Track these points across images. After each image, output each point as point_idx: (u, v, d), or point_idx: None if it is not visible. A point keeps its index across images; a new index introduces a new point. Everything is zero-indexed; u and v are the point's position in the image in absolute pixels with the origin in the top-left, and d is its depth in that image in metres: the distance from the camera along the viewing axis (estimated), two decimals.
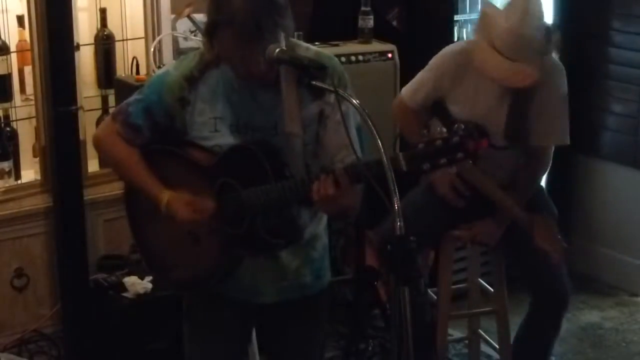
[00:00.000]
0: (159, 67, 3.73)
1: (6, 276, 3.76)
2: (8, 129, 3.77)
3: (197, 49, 3.85)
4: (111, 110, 3.88)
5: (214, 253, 2.41)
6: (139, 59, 3.90)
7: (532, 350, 3.48)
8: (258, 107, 2.34)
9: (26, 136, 3.87)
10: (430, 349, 3.40)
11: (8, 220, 3.72)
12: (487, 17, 3.17)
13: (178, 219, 2.35)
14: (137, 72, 3.86)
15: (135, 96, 2.43)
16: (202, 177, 2.37)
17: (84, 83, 3.84)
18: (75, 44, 3.65)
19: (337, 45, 4.05)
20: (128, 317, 3.59)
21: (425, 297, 3.55)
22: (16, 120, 3.81)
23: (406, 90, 3.35)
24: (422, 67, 3.36)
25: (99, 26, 3.91)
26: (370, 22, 4.18)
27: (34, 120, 3.80)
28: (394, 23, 4.39)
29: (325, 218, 2.52)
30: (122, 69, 3.97)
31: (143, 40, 3.92)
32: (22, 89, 3.79)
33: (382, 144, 2.06)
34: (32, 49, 3.66)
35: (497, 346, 3.62)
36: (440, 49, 3.37)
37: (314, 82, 2.20)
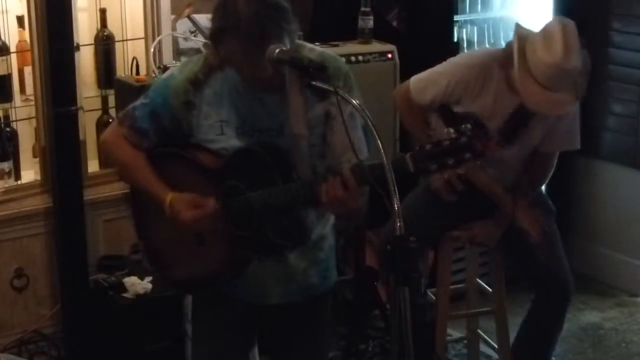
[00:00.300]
0: (159, 68, 3.73)
1: (6, 276, 3.76)
2: (8, 129, 3.76)
3: (197, 49, 3.91)
4: (111, 111, 3.93)
5: (221, 255, 2.42)
6: (138, 59, 3.89)
7: (534, 348, 3.49)
8: (264, 110, 2.35)
9: (26, 136, 3.86)
10: (430, 349, 3.40)
11: (8, 221, 3.71)
12: (523, 43, 3.12)
13: (180, 219, 2.35)
14: (137, 73, 3.85)
15: (141, 100, 2.45)
16: (208, 179, 2.38)
17: (84, 83, 3.83)
18: (75, 45, 3.65)
19: (337, 45, 4.05)
20: (128, 318, 3.60)
21: (425, 297, 3.56)
22: (16, 120, 3.80)
23: (415, 84, 3.31)
24: (423, 67, 3.35)
25: (98, 26, 3.90)
26: (370, 22, 4.18)
27: (33, 121, 3.79)
28: (394, 23, 4.39)
29: (332, 219, 2.52)
30: (122, 70, 3.96)
31: (143, 40, 3.92)
32: (22, 90, 3.78)
33: (382, 144, 2.07)
34: (32, 50, 3.65)
35: (495, 346, 3.62)
36: (440, 49, 3.38)
37: (313, 83, 2.20)
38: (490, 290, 3.59)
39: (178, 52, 3.98)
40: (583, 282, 4.56)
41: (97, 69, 3.97)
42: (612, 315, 4.50)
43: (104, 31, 3.91)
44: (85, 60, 3.89)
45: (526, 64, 3.08)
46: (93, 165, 3.89)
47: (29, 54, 3.69)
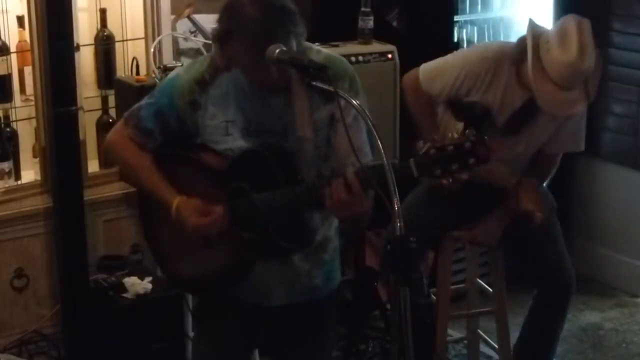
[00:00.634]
0: (159, 68, 3.73)
1: (6, 276, 3.76)
2: (8, 129, 3.76)
3: (197, 49, 3.91)
4: (111, 111, 3.93)
5: (226, 256, 2.42)
6: (139, 59, 3.89)
7: (537, 345, 3.50)
8: (269, 111, 2.35)
9: (26, 137, 3.86)
10: (430, 350, 3.40)
11: (8, 221, 3.71)
12: (537, 42, 3.11)
13: (187, 226, 2.35)
14: (137, 73, 3.85)
15: (146, 100, 2.45)
16: (214, 181, 2.39)
17: (84, 83, 3.83)
18: (75, 45, 3.65)
19: (337, 45, 4.05)
20: (128, 318, 3.60)
21: (427, 298, 3.56)
22: (16, 120, 3.80)
23: (425, 73, 3.30)
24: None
25: (98, 27, 3.90)
26: (370, 22, 4.18)
27: (33, 121, 3.79)
28: (394, 24, 4.39)
29: (336, 221, 2.52)
30: (122, 70, 3.95)
31: (143, 40, 3.92)
32: (22, 90, 3.78)
33: (382, 145, 2.07)
34: (32, 50, 3.65)
35: (496, 346, 3.62)
36: (440, 49, 3.37)
37: (314, 83, 2.21)
38: (491, 290, 3.59)
39: (178, 52, 3.99)
40: (583, 283, 4.55)
41: (97, 69, 3.96)
42: (612, 315, 4.50)
43: (104, 31, 3.91)
44: (85, 61, 3.88)
45: (540, 63, 3.07)
46: (93, 166, 3.89)
47: (29, 54, 3.69)
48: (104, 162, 3.88)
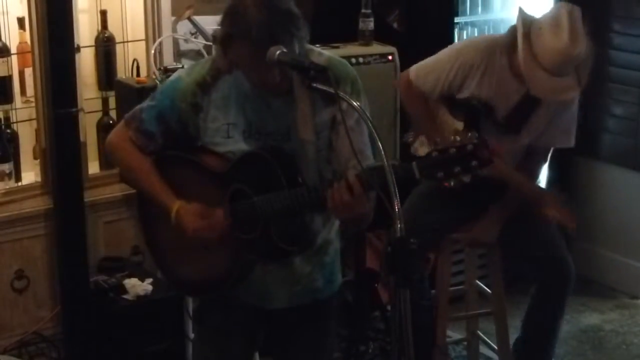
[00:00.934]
0: (160, 69, 3.74)
1: (6, 278, 3.75)
2: (8, 130, 3.76)
3: (198, 51, 3.91)
4: (112, 113, 3.93)
5: (227, 258, 2.42)
6: (139, 60, 3.89)
7: (537, 343, 3.50)
8: (271, 114, 2.35)
9: (27, 138, 3.86)
10: (430, 351, 3.41)
11: (8, 222, 3.71)
12: (528, 30, 3.12)
13: (187, 231, 2.36)
14: (138, 74, 3.86)
15: (147, 102, 2.45)
16: (215, 183, 2.38)
17: (85, 85, 3.83)
18: (75, 46, 3.65)
19: (337, 47, 4.06)
20: (128, 319, 3.60)
21: (429, 300, 3.56)
22: (17, 122, 3.79)
23: (417, 70, 3.32)
24: None
25: (99, 28, 3.90)
26: (370, 24, 4.19)
27: (34, 122, 3.78)
28: (395, 25, 4.40)
29: (337, 223, 2.52)
30: (123, 71, 3.96)
31: (144, 42, 3.92)
32: (23, 91, 3.77)
33: (383, 146, 2.08)
34: (32, 51, 3.65)
35: (495, 347, 3.63)
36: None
37: (314, 85, 2.20)
38: (490, 291, 3.59)
39: (178, 54, 3.99)
40: (583, 284, 4.57)
41: (98, 70, 3.96)
42: (612, 317, 4.51)
43: (105, 33, 3.91)
44: (86, 62, 3.88)
45: (532, 49, 3.08)
46: (93, 167, 3.89)
47: (29, 56, 3.69)
48: (105, 164, 3.88)
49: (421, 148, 3.28)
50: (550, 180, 4.72)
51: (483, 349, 3.80)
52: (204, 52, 3.85)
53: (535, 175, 3.49)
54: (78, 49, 3.69)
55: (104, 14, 3.88)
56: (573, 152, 4.25)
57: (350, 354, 3.79)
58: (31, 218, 3.76)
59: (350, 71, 2.38)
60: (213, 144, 2.38)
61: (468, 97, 3.24)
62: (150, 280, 3.68)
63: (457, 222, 3.39)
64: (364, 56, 4.02)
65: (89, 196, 3.82)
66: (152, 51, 3.83)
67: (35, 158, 3.86)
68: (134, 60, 3.90)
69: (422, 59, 3.41)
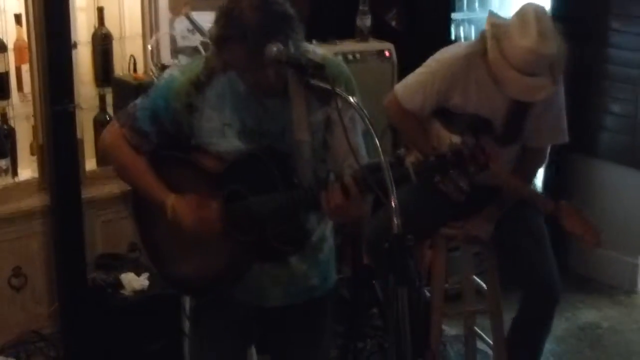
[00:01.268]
0: (157, 66, 3.74)
1: (4, 275, 3.74)
2: (5, 127, 3.76)
3: (195, 47, 3.91)
4: (109, 109, 3.93)
5: (222, 258, 2.42)
6: (136, 57, 3.90)
7: (524, 349, 3.50)
8: (266, 114, 2.35)
9: (24, 134, 3.86)
10: (423, 345, 3.41)
11: (5, 219, 3.70)
12: (496, 31, 3.14)
13: (182, 222, 2.35)
14: (135, 71, 3.86)
15: (141, 100, 2.44)
16: (210, 184, 2.38)
17: (82, 82, 3.82)
18: (72, 43, 3.65)
19: (334, 44, 4.07)
20: (126, 315, 3.60)
21: (423, 296, 3.57)
22: (14, 118, 3.79)
23: (402, 92, 3.31)
24: (420, 65, 3.35)
25: (96, 25, 3.90)
26: (368, 21, 4.20)
27: (31, 119, 3.78)
28: (392, 22, 4.41)
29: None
30: (120, 68, 3.96)
31: (140, 38, 3.93)
32: (20, 87, 3.77)
33: (379, 143, 2.08)
34: (29, 48, 3.65)
35: (491, 343, 3.63)
36: (437, 48, 3.37)
37: (312, 82, 2.20)
38: (486, 288, 3.60)
39: (176, 50, 3.98)
40: (581, 281, 4.60)
41: (95, 67, 3.96)
42: (610, 314, 4.52)
43: (102, 29, 3.90)
44: (83, 59, 3.88)
45: (502, 51, 3.09)
46: (91, 164, 3.88)
47: (26, 52, 3.68)
48: (102, 161, 3.89)
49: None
50: (547, 178, 4.74)
51: (480, 345, 3.81)
52: (201, 49, 3.84)
53: (532, 176, 3.49)
54: (75, 45, 3.68)
55: (101, 10, 3.88)
56: (571, 150, 4.27)
57: (348, 351, 3.79)
58: (28, 215, 3.75)
59: (344, 70, 2.38)
60: (208, 144, 2.38)
61: (463, 113, 3.25)
62: (146, 275, 3.68)
63: (450, 215, 3.39)
64: (361, 52, 4.03)
65: (87, 193, 3.82)
66: (149, 48, 3.84)
67: (32, 154, 3.86)
68: (131, 56, 3.90)
69: (420, 55, 3.41)
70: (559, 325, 3.60)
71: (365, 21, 4.18)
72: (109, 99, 3.93)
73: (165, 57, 3.90)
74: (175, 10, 3.94)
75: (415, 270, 3.37)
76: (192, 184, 2.40)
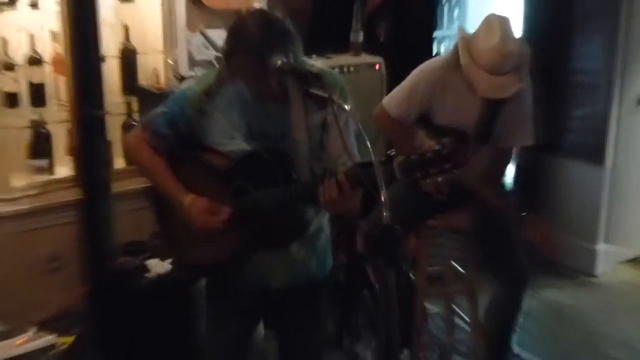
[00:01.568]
0: (176, 77, 3.72)
1: (42, 259, 3.76)
2: (44, 130, 3.77)
3: (209, 61, 3.88)
4: (134, 115, 3.91)
5: (232, 245, 2.40)
6: (158, 69, 3.89)
7: (500, 324, 3.48)
8: (268, 118, 2.34)
9: (60, 137, 3.89)
10: (410, 321, 3.38)
11: (44, 211, 3.74)
12: (466, 41, 3.14)
13: (195, 223, 2.35)
14: (157, 81, 3.85)
15: (161, 108, 2.44)
16: (219, 180, 2.37)
17: (110, 91, 3.85)
18: (101, 57, 3.64)
19: (331, 57, 4.04)
20: (150, 296, 3.58)
21: (408, 279, 3.54)
22: (51, 123, 3.80)
23: (390, 103, 3.31)
24: (406, 77, 3.33)
25: (123, 40, 3.92)
26: (360, 37, 4.18)
27: (67, 123, 3.80)
28: (381, 38, 4.38)
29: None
30: (144, 78, 3.97)
31: (162, 53, 3.91)
32: (57, 96, 3.79)
33: (373, 145, 2.08)
34: (65, 61, 3.65)
35: (468, 320, 3.61)
36: (421, 61, 3.35)
37: (311, 90, 2.22)
38: (464, 272, 3.57)
39: (192, 63, 3.98)
40: (546, 265, 4.55)
41: (122, 78, 3.99)
42: (571, 293, 4.51)
43: (128, 45, 3.91)
44: (111, 71, 3.90)
45: (472, 55, 3.09)
46: (119, 162, 3.89)
47: (62, 65, 3.68)
48: (127, 160, 3.87)
49: None
50: (518, 174, 4.70)
51: (458, 321, 3.78)
52: (215, 63, 3.83)
53: (501, 173, 3.45)
54: (104, 59, 3.70)
55: (126, 28, 3.89)
56: (539, 150, 4.22)
57: (343, 326, 3.78)
58: (64, 207, 3.79)
59: (339, 80, 2.37)
60: (218, 144, 2.37)
61: (442, 124, 3.23)
62: (169, 260, 3.65)
63: (431, 210, 3.36)
64: (354, 65, 4.01)
65: (115, 188, 3.81)
66: (170, 61, 3.81)
67: (67, 155, 3.84)
68: (154, 68, 3.89)
69: (406, 67, 3.39)
70: (527, 303, 3.59)
71: (358, 37, 4.16)
72: (135, 106, 3.91)
73: (184, 69, 3.89)
74: (191, 28, 3.92)
75: (403, 256, 3.36)
76: (204, 180, 2.39)
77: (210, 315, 2.68)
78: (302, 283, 2.50)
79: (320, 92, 2.20)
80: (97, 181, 3.72)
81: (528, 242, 3.24)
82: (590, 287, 4.59)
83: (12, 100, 3.65)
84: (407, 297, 3.35)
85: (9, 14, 3.58)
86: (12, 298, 3.59)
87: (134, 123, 3.86)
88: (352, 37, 4.18)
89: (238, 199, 2.35)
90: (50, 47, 3.72)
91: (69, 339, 3.55)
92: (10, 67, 3.61)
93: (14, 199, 3.66)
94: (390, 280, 2.04)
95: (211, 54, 3.90)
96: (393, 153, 2.13)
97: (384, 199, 2.00)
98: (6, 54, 3.59)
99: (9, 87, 3.62)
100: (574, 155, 4.69)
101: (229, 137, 2.36)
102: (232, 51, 2.22)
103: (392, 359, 2.14)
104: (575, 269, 4.73)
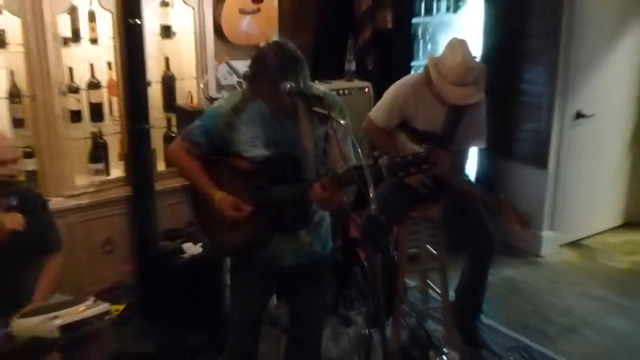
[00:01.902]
0: (206, 98, 3.75)
1: (99, 243, 3.76)
2: (101, 140, 3.79)
3: (233, 85, 3.91)
4: (174, 129, 3.92)
5: (252, 231, 2.41)
6: (192, 92, 3.91)
7: (470, 292, 3.49)
8: (283, 130, 2.35)
9: (113, 146, 3.86)
10: (393, 293, 3.41)
11: (101, 204, 3.71)
12: (434, 61, 3.17)
13: (224, 215, 2.36)
14: (191, 101, 3.87)
15: (197, 122, 2.45)
16: (243, 178, 2.38)
17: (154, 108, 3.83)
18: (147, 82, 3.66)
19: (330, 82, 4.06)
20: (185, 272, 3.59)
21: (392, 259, 3.56)
22: (107, 134, 3.82)
23: (375, 115, 3.31)
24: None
25: (164, 69, 3.92)
26: (352, 65, 4.19)
27: (119, 135, 3.80)
28: (370, 67, 4.40)
29: None
30: (181, 99, 3.97)
31: (195, 79, 3.94)
32: (111, 113, 3.79)
33: (361, 151, 2.11)
34: (117, 85, 3.67)
35: (439, 291, 3.63)
36: None
37: (314, 109, 2.23)
38: (436, 253, 3.59)
39: (219, 87, 3.99)
40: (503, 247, 4.51)
41: (163, 98, 3.96)
42: (522, 271, 4.48)
43: (168, 72, 3.92)
44: (155, 93, 3.89)
45: (440, 71, 3.12)
46: (161, 166, 3.89)
47: (115, 88, 3.70)
48: (168, 164, 3.89)
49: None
50: (479, 175, 4.72)
51: (431, 293, 3.80)
52: (238, 87, 3.85)
53: (462, 168, 3.45)
54: (149, 84, 3.70)
55: (167, 59, 3.89)
56: (495, 156, 4.28)
57: (339, 297, 3.79)
58: (117, 201, 3.77)
59: (338, 100, 2.38)
60: (243, 151, 2.39)
61: (418, 128, 3.24)
62: (200, 244, 3.67)
63: (413, 204, 3.38)
64: (348, 89, 4.02)
65: (158, 186, 3.82)
66: (201, 85, 3.84)
67: (120, 159, 3.86)
68: (189, 91, 3.91)
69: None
70: (488, 279, 3.62)
71: (351, 66, 4.17)
72: (173, 121, 3.93)
73: (212, 92, 3.90)
74: (219, 59, 3.95)
75: (387, 241, 3.39)
76: (232, 179, 2.40)
77: (234, 285, 2.68)
78: (308, 262, 2.51)
79: (322, 110, 2.21)
80: (143, 181, 3.76)
81: (495, 220, 3.21)
82: (538, 265, 4.57)
83: (76, 116, 3.66)
84: (391, 274, 3.37)
85: (74, 48, 3.60)
86: (75, 274, 3.60)
87: (172, 135, 3.87)
88: (346, 66, 4.19)
89: (258, 193, 2.36)
90: (106, 74, 3.73)
91: (121, 307, 3.54)
92: (74, 90, 3.62)
93: (77, 195, 3.66)
94: (377, 260, 2.06)
95: (234, 80, 3.92)
96: (377, 154, 2.16)
97: (372, 195, 2.00)
98: (72, 79, 3.62)
99: (74, 106, 3.65)
100: (523, 160, 4.67)
101: (251, 145, 2.37)
102: (254, 76, 2.23)
103: (379, 322, 2.18)
104: (525, 250, 4.71)
